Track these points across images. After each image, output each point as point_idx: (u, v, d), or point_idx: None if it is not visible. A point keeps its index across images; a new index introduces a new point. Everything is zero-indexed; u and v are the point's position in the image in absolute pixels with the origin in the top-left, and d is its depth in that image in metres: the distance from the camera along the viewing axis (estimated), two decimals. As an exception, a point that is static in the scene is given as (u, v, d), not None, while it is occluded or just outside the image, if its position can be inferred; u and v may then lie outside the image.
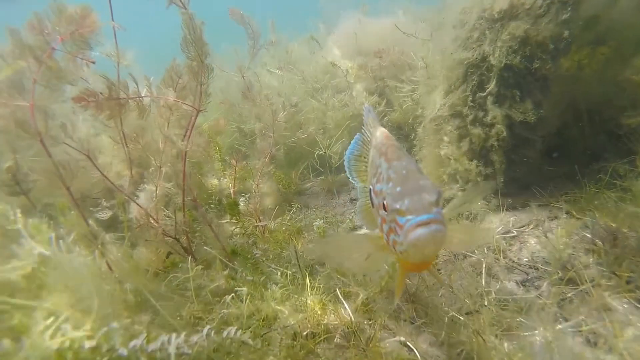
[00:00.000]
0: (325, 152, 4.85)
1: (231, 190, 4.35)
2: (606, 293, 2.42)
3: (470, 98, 3.48)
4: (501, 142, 3.43)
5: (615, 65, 3.54)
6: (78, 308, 1.47)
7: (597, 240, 2.68)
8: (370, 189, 1.85)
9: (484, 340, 2.00)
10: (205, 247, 2.58)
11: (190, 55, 2.34)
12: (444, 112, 3.69)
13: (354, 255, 1.82)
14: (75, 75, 2.13)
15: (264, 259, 2.74)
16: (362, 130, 2.35)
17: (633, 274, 2.45)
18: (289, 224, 3.86)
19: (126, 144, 3.18)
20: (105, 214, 2.62)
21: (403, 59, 5.36)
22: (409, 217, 1.39)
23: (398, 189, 1.48)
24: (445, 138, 3.70)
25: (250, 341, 1.82)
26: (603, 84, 3.65)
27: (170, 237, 2.74)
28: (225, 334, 1.72)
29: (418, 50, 5.04)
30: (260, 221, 3.73)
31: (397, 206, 1.42)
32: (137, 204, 2.61)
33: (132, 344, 1.44)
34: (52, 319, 1.31)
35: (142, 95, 2.40)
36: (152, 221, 2.71)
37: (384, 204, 1.53)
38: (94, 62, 2.25)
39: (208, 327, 1.68)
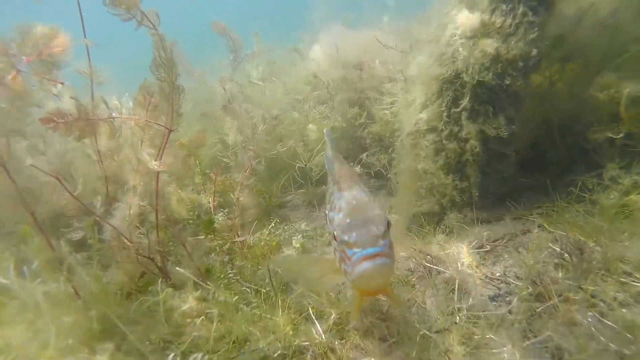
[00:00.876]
0: (305, 165, 4.87)
1: (211, 205, 4.33)
2: (574, 307, 2.48)
3: (445, 113, 3.55)
4: (475, 157, 3.49)
5: (583, 81, 3.65)
6: (36, 341, 1.44)
7: (565, 255, 2.74)
8: (326, 213, 1.88)
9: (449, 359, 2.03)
10: (177, 268, 2.56)
11: (160, 76, 2.34)
12: (420, 127, 3.75)
13: (308, 275, 1.89)
14: (43, 96, 2.10)
15: (238, 277, 2.73)
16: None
17: (598, 287, 2.51)
18: (267, 238, 3.85)
19: (101, 161, 3.16)
20: (77, 235, 2.59)
21: (383, 72, 5.42)
22: (356, 250, 1.41)
23: (347, 220, 1.50)
24: (422, 152, 3.75)
25: (217, 367, 1.81)
26: (572, 100, 3.76)
27: (144, 256, 2.71)
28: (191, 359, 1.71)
29: (398, 62, 5.11)
30: (239, 236, 3.72)
31: (346, 238, 1.44)
32: (109, 224, 2.58)
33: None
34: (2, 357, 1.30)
35: (113, 116, 2.39)
36: (125, 241, 2.69)
37: (334, 234, 1.55)
38: (62, 83, 2.23)
39: (173, 354, 1.67)
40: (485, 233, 3.28)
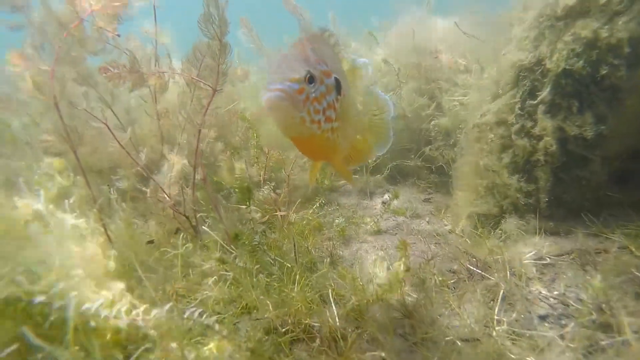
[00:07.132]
0: (362, 151, 4.68)
1: (261, 178, 4.37)
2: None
3: (518, 105, 3.12)
4: (549, 157, 3.02)
5: None
6: (45, 264, 1.51)
7: (648, 284, 2.24)
8: None
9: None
10: (204, 227, 2.59)
11: (209, 34, 2.34)
12: (488, 119, 3.35)
13: None
14: (98, 46, 2.22)
15: (265, 248, 2.68)
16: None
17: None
18: (310, 217, 3.78)
19: (158, 119, 3.32)
20: (122, 183, 2.74)
21: (460, 62, 5.00)
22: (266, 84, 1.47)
23: (273, 66, 1.52)
24: (486, 147, 3.35)
25: (216, 326, 1.77)
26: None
27: (179, 213, 2.79)
28: (186, 313, 1.69)
29: (477, 52, 4.66)
30: (281, 211, 3.69)
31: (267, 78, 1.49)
32: (150, 176, 2.69)
33: (85, 306, 1.46)
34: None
35: (162, 70, 2.45)
36: (164, 195, 2.79)
37: None
38: (119, 35, 2.34)
39: (170, 303, 1.65)
40: (547, 244, 2.84)
